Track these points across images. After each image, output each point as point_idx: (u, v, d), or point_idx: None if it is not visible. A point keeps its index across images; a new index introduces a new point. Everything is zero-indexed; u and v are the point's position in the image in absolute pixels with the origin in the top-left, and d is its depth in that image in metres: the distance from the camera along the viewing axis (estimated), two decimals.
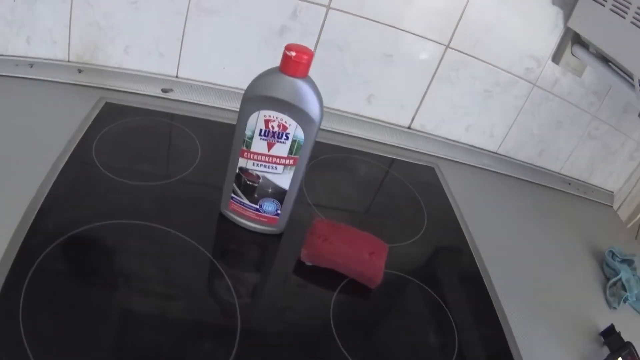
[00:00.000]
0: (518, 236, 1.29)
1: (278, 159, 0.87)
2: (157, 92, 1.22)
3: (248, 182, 0.90)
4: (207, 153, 1.11)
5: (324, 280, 0.94)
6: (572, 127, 1.51)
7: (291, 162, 0.87)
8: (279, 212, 0.94)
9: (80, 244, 0.82)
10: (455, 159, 1.46)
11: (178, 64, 1.23)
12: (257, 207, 0.93)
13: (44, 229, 0.81)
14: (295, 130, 0.83)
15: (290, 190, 0.91)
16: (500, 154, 1.53)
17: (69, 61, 1.19)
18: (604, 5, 1.14)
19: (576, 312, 1.12)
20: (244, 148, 0.87)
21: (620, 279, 1.22)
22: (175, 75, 1.25)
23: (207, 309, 0.83)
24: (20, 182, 0.88)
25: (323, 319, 0.87)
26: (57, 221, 0.84)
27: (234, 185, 0.92)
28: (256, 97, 0.82)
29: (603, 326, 1.07)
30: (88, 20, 1.14)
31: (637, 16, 1.05)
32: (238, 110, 1.19)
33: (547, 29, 1.31)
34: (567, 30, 1.30)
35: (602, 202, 1.65)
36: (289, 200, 0.93)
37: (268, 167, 0.88)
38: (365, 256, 0.94)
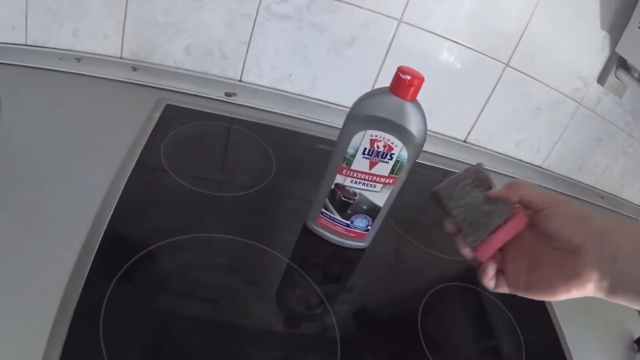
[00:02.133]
0: None
1: (379, 178, 0.87)
2: (220, 95, 1.21)
3: (343, 198, 0.90)
4: (281, 162, 1.10)
5: (411, 290, 0.96)
6: (609, 143, 1.54)
7: (391, 181, 0.87)
8: (369, 227, 0.94)
9: (159, 260, 0.79)
10: (505, 173, 1.48)
11: (243, 68, 1.22)
12: (348, 222, 0.93)
13: (115, 246, 0.77)
14: (400, 151, 0.83)
15: (385, 207, 0.92)
16: (544, 168, 1.56)
17: (121, 58, 1.16)
18: None
19: (611, 319, 1.14)
20: (344, 165, 0.86)
21: None
22: (239, 79, 1.24)
23: (305, 323, 0.84)
24: (83, 189, 0.84)
25: (412, 329, 0.88)
26: (130, 235, 0.81)
27: (327, 200, 0.92)
28: (364, 116, 0.82)
29: (637, 334, 1.11)
30: (145, 15, 1.11)
31: None
32: (305, 117, 1.22)
33: (595, 52, 1.34)
34: (613, 54, 1.33)
35: (630, 215, 1.69)
36: (381, 217, 0.94)
37: (367, 185, 0.88)
38: None
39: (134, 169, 0.92)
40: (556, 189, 1.55)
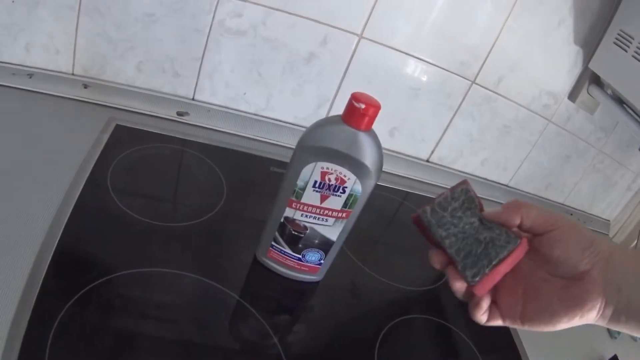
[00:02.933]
0: None
1: (330, 212, 0.82)
2: (172, 114, 1.16)
3: (293, 232, 0.85)
4: (232, 188, 1.05)
5: (368, 324, 0.92)
6: (579, 161, 1.51)
7: (344, 215, 0.82)
8: (322, 262, 0.89)
9: (101, 299, 0.74)
10: None
11: (195, 86, 1.17)
12: (300, 256, 0.88)
13: (61, 279, 0.73)
14: (353, 184, 0.78)
15: (338, 241, 0.87)
16: (510, 187, 1.52)
17: (73, 74, 1.10)
18: (626, 51, 1.13)
19: (581, 341, 1.12)
20: (293, 198, 0.81)
21: None
22: (191, 97, 1.18)
23: None
24: (27, 217, 0.79)
25: None
26: (75, 269, 0.76)
27: (276, 233, 0.86)
28: (315, 147, 0.76)
29: (606, 355, 1.08)
30: (97, 30, 1.06)
31: None
32: (259, 138, 1.17)
33: (567, 68, 1.30)
34: (585, 69, 1.30)
35: (600, 230, 1.67)
36: (334, 251, 0.89)
37: (318, 219, 0.83)
38: None
39: (79, 197, 0.87)
40: None
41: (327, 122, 0.78)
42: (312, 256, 0.88)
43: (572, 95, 1.35)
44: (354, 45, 1.16)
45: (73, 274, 0.75)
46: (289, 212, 0.83)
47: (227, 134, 1.19)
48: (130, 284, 0.78)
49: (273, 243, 0.88)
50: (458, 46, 1.21)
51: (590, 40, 1.26)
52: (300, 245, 0.87)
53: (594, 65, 1.26)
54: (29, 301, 0.68)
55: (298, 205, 0.81)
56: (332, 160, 0.76)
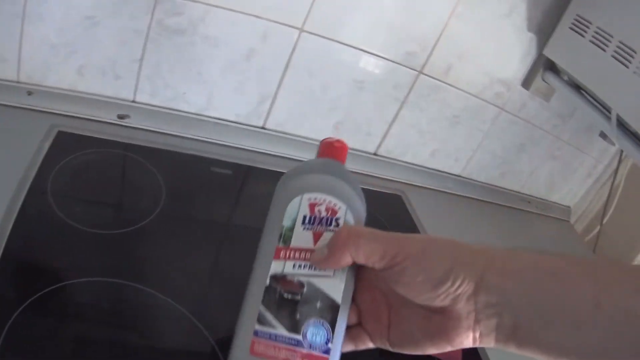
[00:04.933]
0: None
1: None
2: (113, 118, 1.12)
3: (285, 295, 0.62)
4: (171, 191, 1.04)
5: None
6: (535, 148, 1.49)
7: None
8: (329, 344, 0.61)
9: (49, 309, 0.73)
10: (420, 184, 1.43)
11: (135, 87, 1.14)
12: (299, 338, 0.61)
13: (4, 291, 0.73)
14: (345, 214, 0.65)
15: (344, 303, 0.62)
16: (463, 177, 1.50)
17: (18, 82, 1.07)
18: (583, 36, 1.12)
19: None
20: (280, 245, 0.63)
21: None
22: (132, 99, 1.15)
23: None
24: None
25: None
26: (18, 281, 0.76)
27: (262, 307, 0.61)
28: (298, 180, 0.66)
29: None
30: (40, 36, 1.03)
31: (618, 50, 1.04)
32: (201, 138, 1.17)
33: (520, 55, 1.29)
34: (540, 56, 1.28)
35: (559, 217, 1.66)
36: (342, 323, 0.62)
37: (314, 268, 0.63)
38: None
39: (21, 207, 0.85)
40: (479, 198, 1.50)
41: (305, 162, 0.72)
42: (316, 334, 0.62)
43: (526, 83, 1.33)
44: (294, 39, 1.15)
45: (17, 285, 0.75)
46: (276, 267, 0.63)
47: (168, 135, 1.16)
48: (74, 296, 0.77)
49: (258, 327, 0.61)
50: (404, 36, 1.18)
51: (544, 27, 1.24)
52: (297, 317, 0.62)
53: (548, 52, 1.25)
54: None
55: (288, 252, 0.63)
56: (319, 189, 0.67)
